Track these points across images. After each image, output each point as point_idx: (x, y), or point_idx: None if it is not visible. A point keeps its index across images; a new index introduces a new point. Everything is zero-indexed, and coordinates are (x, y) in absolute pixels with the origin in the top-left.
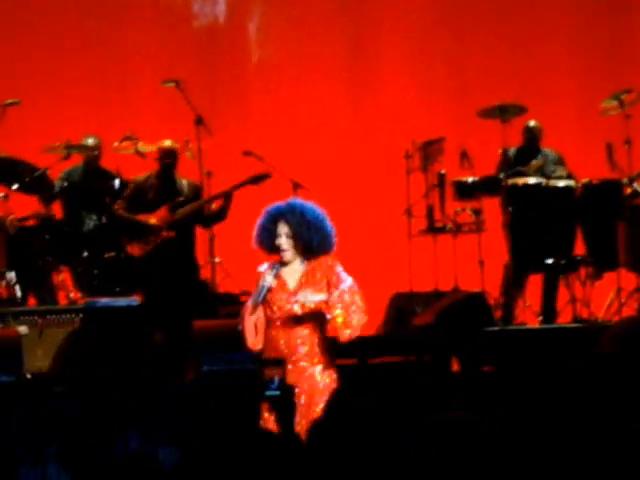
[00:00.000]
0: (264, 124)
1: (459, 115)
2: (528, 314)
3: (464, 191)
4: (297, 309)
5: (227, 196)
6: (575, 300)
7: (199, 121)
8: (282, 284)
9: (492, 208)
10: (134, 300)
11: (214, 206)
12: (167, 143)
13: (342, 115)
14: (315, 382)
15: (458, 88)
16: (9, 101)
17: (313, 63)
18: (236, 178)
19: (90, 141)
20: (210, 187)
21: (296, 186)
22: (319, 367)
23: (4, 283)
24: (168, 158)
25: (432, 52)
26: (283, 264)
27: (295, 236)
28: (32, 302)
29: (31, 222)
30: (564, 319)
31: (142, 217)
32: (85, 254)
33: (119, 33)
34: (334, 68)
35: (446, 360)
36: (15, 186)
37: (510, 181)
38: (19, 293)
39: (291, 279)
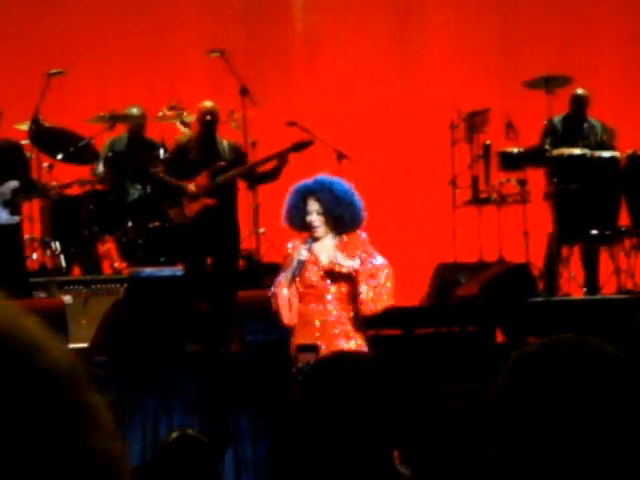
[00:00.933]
0: (309, 94)
1: (505, 85)
2: (572, 285)
3: (509, 162)
4: (330, 285)
5: (283, 159)
6: (619, 271)
7: (244, 91)
8: (315, 260)
9: (537, 179)
10: (178, 270)
11: (268, 166)
12: (206, 103)
13: (387, 85)
14: None
15: (504, 58)
16: (54, 71)
17: (358, 32)
18: (280, 148)
19: (135, 111)
20: (255, 157)
21: (340, 156)
22: (352, 342)
23: (49, 253)
24: (208, 115)
25: (479, 22)
26: (315, 240)
27: (326, 212)
28: (77, 272)
29: (75, 191)
30: (608, 290)
31: (182, 183)
32: (130, 224)
33: (164, 2)
34: (380, 37)
35: (490, 331)
36: (60, 156)
37: (555, 152)
38: (64, 263)
39: (324, 255)
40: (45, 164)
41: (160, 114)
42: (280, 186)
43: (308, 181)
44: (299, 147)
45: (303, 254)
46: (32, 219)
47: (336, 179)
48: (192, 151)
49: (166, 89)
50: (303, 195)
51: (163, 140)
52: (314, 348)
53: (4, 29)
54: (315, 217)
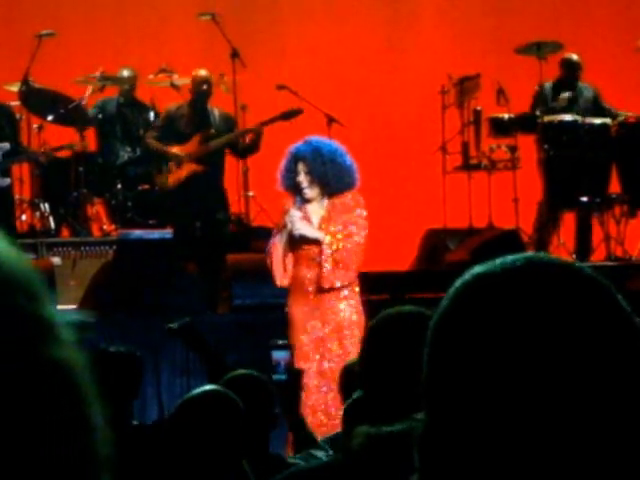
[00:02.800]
0: (299, 58)
1: (495, 52)
2: (562, 251)
3: (500, 128)
4: (325, 246)
5: (257, 131)
6: (609, 238)
7: (234, 54)
8: (307, 221)
9: (528, 145)
10: (167, 232)
11: (247, 139)
12: (202, 71)
13: (378, 50)
14: (341, 317)
15: (495, 24)
16: (44, 32)
17: None
18: (271, 112)
19: (125, 73)
20: (245, 120)
21: (331, 120)
22: (344, 303)
23: (38, 214)
24: (205, 85)
25: None
26: (307, 201)
27: (311, 172)
28: (66, 233)
29: (65, 153)
30: (598, 257)
31: (172, 148)
32: (119, 186)
33: None
34: (371, 2)
35: None
36: (50, 117)
37: (546, 118)
38: (53, 224)
39: (315, 216)
40: (35, 125)
41: (151, 76)
42: (269, 151)
43: (299, 143)
44: (287, 115)
45: (295, 213)
46: (22, 181)
47: (326, 140)
48: (182, 119)
49: (157, 51)
50: (294, 156)
51: (153, 103)
52: (287, 346)
53: None
54: (302, 177)
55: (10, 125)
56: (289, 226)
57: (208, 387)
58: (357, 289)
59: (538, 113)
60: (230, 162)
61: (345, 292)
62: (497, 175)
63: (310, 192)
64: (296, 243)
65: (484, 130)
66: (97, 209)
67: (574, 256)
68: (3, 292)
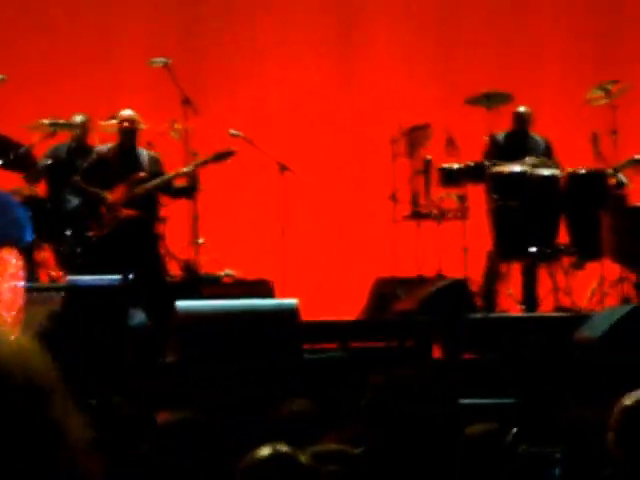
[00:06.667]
0: (251, 105)
1: (445, 101)
2: (510, 302)
3: (449, 177)
4: None
5: (190, 174)
6: (557, 289)
7: (186, 101)
8: None
9: (477, 195)
10: (116, 279)
11: (182, 181)
12: (125, 111)
13: (330, 99)
14: None
15: (445, 74)
16: None
17: (302, 44)
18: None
19: (78, 119)
20: (160, 167)
21: (282, 168)
22: None
23: None
24: (126, 122)
25: (419, 37)
26: None
27: None
28: None
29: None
30: (546, 307)
31: (100, 193)
32: (68, 232)
33: (107, 10)
34: (322, 51)
35: (428, 347)
36: None
37: (495, 169)
38: None
39: None
40: None
41: (102, 123)
42: (221, 196)
43: None
44: (220, 157)
45: None
46: None
47: None
48: (112, 161)
49: (108, 98)
50: None
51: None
52: None
53: None
54: None
55: None
56: None
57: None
58: None
59: (487, 163)
60: (179, 208)
61: None
62: (446, 224)
63: None
64: None
65: (434, 179)
66: (45, 255)
67: (522, 306)
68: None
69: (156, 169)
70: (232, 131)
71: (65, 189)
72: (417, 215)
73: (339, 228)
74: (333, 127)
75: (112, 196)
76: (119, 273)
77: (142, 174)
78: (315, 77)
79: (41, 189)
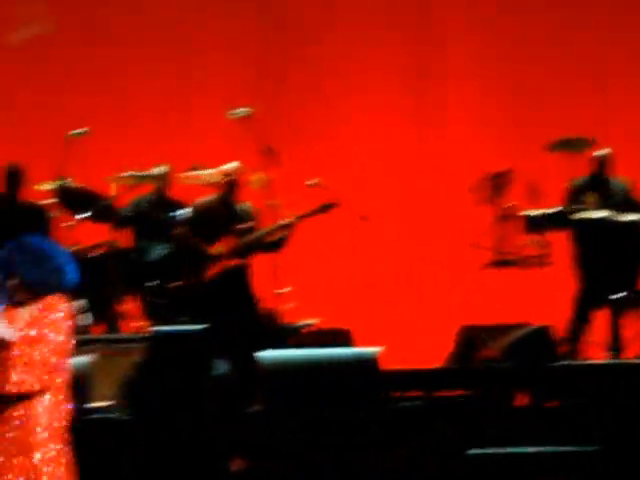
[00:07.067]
0: (330, 155)
1: (527, 147)
2: (595, 349)
3: (533, 224)
4: (15, 349)
5: (291, 225)
6: None
7: (266, 151)
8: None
9: (561, 242)
10: (201, 329)
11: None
12: (230, 164)
13: (408, 147)
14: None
15: (523, 120)
16: (77, 131)
17: (379, 94)
18: (302, 209)
19: (160, 170)
20: (277, 217)
21: (363, 217)
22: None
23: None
24: (228, 178)
25: (499, 84)
26: (17, 304)
27: (16, 274)
28: (100, 330)
29: (98, 250)
30: (632, 353)
31: (205, 245)
32: (152, 283)
33: (185, 63)
34: (400, 101)
35: (511, 394)
36: (82, 215)
37: (577, 215)
38: (87, 321)
39: (21, 320)
40: (66, 223)
41: (183, 175)
42: (300, 245)
43: (10, 243)
44: (324, 209)
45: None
46: None
47: (31, 238)
48: (215, 213)
49: (188, 149)
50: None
51: (186, 201)
52: None
53: (26, 89)
54: (12, 280)
55: (43, 226)
56: None
57: None
58: (48, 396)
59: (569, 210)
60: (260, 258)
61: (40, 397)
62: (530, 271)
63: (19, 295)
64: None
65: (516, 226)
66: (130, 306)
67: (610, 352)
68: None
69: (253, 220)
70: (310, 181)
71: (149, 240)
72: (500, 262)
73: (421, 276)
74: (412, 176)
75: (218, 246)
76: (208, 322)
77: (246, 225)
78: (393, 126)
79: (125, 240)
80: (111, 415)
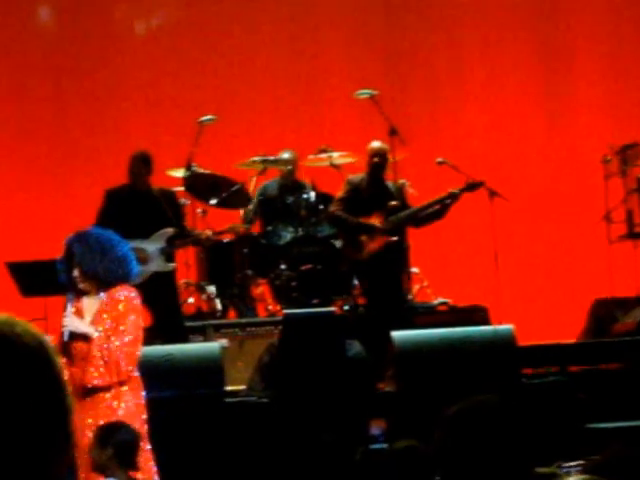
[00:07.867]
0: (457, 133)
1: None
2: None
3: None
4: (95, 344)
5: (453, 198)
6: None
7: (393, 132)
8: (80, 317)
9: None
10: (332, 310)
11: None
12: (375, 144)
13: (536, 121)
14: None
15: None
16: (206, 118)
17: (504, 71)
18: (430, 188)
19: (286, 155)
20: (405, 197)
21: (492, 194)
22: (116, 402)
23: (205, 297)
24: (376, 157)
25: (626, 55)
26: (83, 295)
27: (80, 264)
28: (232, 315)
29: (229, 236)
30: None
31: (365, 221)
32: (282, 266)
33: (311, 46)
34: (526, 75)
35: None
36: (213, 201)
37: None
38: (219, 306)
39: (89, 311)
40: (199, 210)
41: (310, 157)
42: (431, 225)
43: (73, 234)
44: (472, 187)
45: (66, 315)
46: (188, 264)
47: (94, 230)
48: (364, 191)
49: (315, 132)
50: (68, 248)
51: (314, 183)
52: None
53: (157, 78)
54: (75, 271)
55: (175, 211)
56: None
57: None
58: (125, 388)
59: None
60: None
61: (115, 391)
62: None
63: (83, 286)
64: (68, 341)
65: None
66: (262, 290)
67: None
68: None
69: (403, 198)
70: (439, 159)
71: (278, 224)
72: (633, 234)
73: (552, 251)
74: (540, 150)
75: (378, 223)
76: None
77: (395, 203)
78: (520, 99)
79: (255, 225)
80: (251, 398)
